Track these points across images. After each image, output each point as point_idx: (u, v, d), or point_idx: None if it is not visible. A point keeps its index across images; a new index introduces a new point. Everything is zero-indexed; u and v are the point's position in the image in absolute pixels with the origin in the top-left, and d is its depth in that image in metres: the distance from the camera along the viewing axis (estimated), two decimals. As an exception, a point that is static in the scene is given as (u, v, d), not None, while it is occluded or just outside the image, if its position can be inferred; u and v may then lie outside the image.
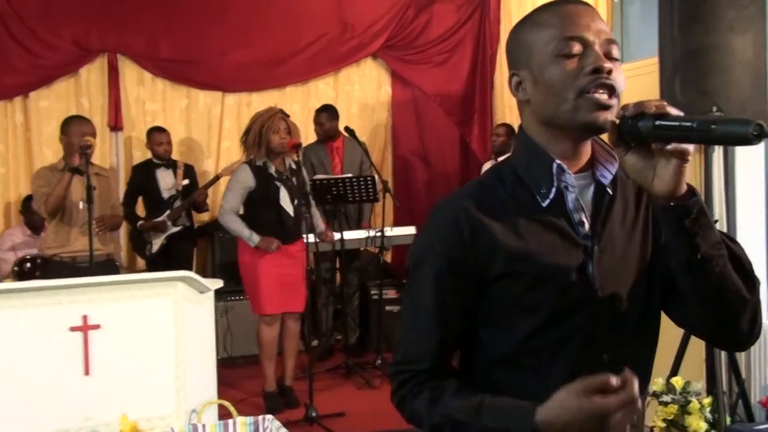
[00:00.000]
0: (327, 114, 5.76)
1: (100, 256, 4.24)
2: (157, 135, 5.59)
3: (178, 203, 5.53)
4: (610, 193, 1.28)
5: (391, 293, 5.84)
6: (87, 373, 2.54)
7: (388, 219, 6.06)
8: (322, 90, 6.42)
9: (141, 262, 5.80)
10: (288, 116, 4.47)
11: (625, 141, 1.13)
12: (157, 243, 5.46)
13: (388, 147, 6.68)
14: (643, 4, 4.82)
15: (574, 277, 1.23)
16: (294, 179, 4.45)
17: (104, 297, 2.48)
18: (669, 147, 1.07)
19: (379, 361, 5.17)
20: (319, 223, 4.82)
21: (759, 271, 4.09)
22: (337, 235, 5.05)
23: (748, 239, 3.78)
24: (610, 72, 1.19)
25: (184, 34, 6.04)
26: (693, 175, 3.89)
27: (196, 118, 6.21)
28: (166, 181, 5.56)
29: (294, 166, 4.48)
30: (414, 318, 1.31)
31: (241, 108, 6.25)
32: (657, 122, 1.07)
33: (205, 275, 5.99)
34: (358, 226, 5.78)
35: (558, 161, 1.25)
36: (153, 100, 6.10)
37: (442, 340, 1.28)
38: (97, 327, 2.53)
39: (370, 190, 5.10)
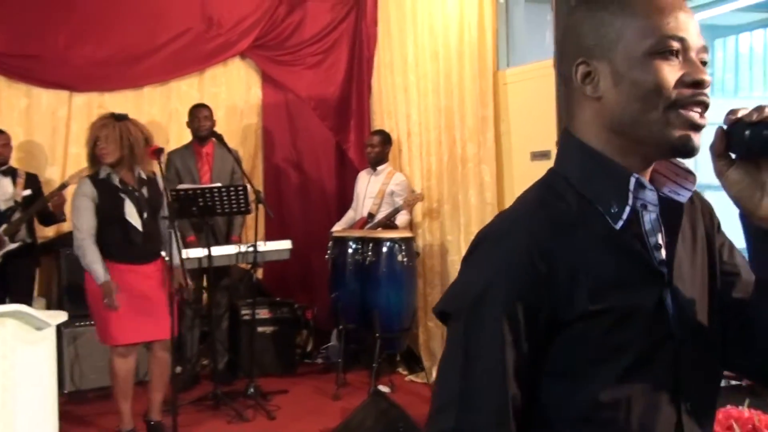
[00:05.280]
0: (209, 110, 5.32)
1: None
2: None
3: (17, 216, 4.85)
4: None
5: (263, 313, 5.42)
6: None
7: (259, 232, 5.61)
8: (184, 91, 5.86)
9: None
10: (125, 119, 3.98)
11: (729, 153, 0.98)
12: (-10, 262, 4.77)
13: (258, 154, 6.21)
14: (528, 6, 4.66)
15: (655, 311, 1.04)
16: (145, 190, 3.96)
17: None
18: None
19: (252, 390, 4.69)
20: None
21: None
22: (203, 251, 4.58)
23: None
24: (707, 87, 1.02)
25: (24, 24, 5.30)
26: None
27: (39, 120, 5.48)
28: (5, 190, 4.90)
29: (144, 176, 4.02)
30: (473, 378, 1.01)
31: (91, 110, 5.56)
32: None
33: (49, 298, 5.32)
34: (228, 240, 5.30)
35: (637, 175, 1.04)
36: (-15, 99, 5.34)
37: (516, 406, 1.01)
38: None
39: (242, 200, 4.64)
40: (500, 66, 4.70)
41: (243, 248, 4.81)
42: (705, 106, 1.02)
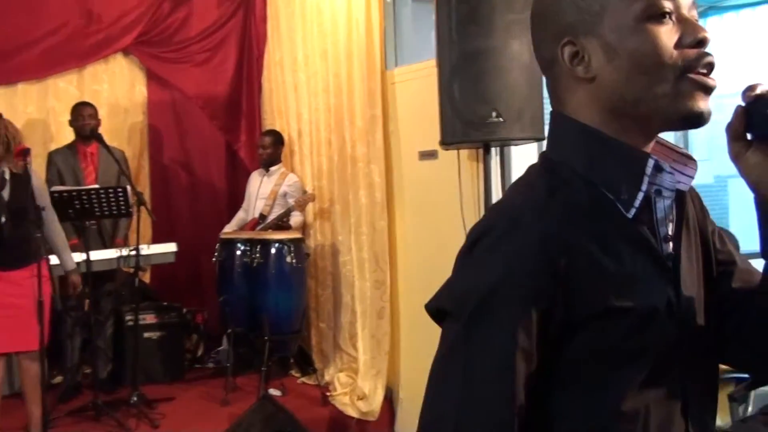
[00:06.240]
0: (93, 108, 5.07)
1: None
2: None
3: None
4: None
5: (150, 318, 5.24)
6: None
7: (146, 234, 5.41)
8: (63, 89, 5.57)
9: None
10: None
11: (747, 134, 0.91)
12: None
13: (144, 154, 5.98)
14: (416, 5, 4.68)
15: (666, 311, 0.95)
16: (6, 192, 3.76)
17: None
18: None
19: (135, 398, 4.51)
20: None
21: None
22: (82, 256, 4.37)
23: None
24: (708, 44, 0.93)
25: None
26: (472, 180, 3.78)
27: None
28: None
29: (7, 176, 3.80)
30: (475, 388, 0.89)
31: (-41, 107, 5.26)
32: None
33: None
34: (112, 244, 5.08)
35: (655, 157, 0.95)
36: None
37: (521, 420, 0.89)
38: None
39: (122, 203, 4.44)
40: (388, 65, 4.69)
41: (125, 252, 4.61)
42: (712, 66, 0.93)
